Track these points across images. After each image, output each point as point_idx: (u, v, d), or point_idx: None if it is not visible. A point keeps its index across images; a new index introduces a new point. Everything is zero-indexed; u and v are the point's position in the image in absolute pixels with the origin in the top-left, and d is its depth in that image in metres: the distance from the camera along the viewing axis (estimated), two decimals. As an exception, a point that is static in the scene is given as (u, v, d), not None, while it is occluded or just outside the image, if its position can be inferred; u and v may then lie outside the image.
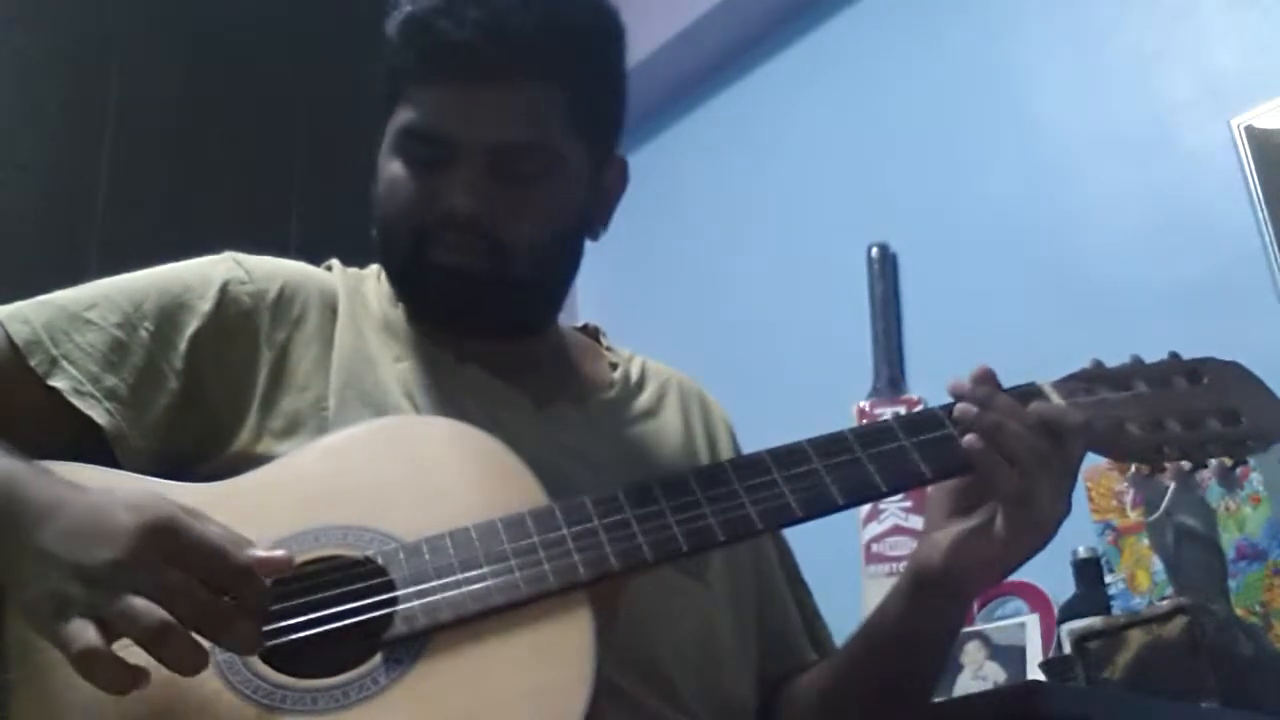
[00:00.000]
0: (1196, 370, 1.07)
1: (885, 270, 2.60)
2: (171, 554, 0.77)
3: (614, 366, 1.24)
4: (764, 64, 3.05)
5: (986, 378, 1.02)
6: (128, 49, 2.74)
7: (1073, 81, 2.46)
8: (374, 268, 1.22)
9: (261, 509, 0.91)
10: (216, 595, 0.77)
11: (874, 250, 2.62)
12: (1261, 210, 2.08)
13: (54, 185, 2.57)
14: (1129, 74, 2.37)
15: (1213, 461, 1.04)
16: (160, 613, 0.74)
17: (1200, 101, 2.25)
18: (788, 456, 0.97)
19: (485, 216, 1.08)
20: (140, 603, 0.75)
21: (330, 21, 2.95)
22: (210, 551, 0.78)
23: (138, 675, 0.74)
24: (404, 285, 1.14)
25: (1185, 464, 1.03)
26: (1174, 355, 1.08)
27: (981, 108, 2.58)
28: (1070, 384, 1.05)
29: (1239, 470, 1.90)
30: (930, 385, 2.36)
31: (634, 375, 1.24)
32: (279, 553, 0.83)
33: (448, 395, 1.09)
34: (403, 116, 1.10)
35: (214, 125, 2.80)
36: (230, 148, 2.81)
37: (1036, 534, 0.96)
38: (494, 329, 1.14)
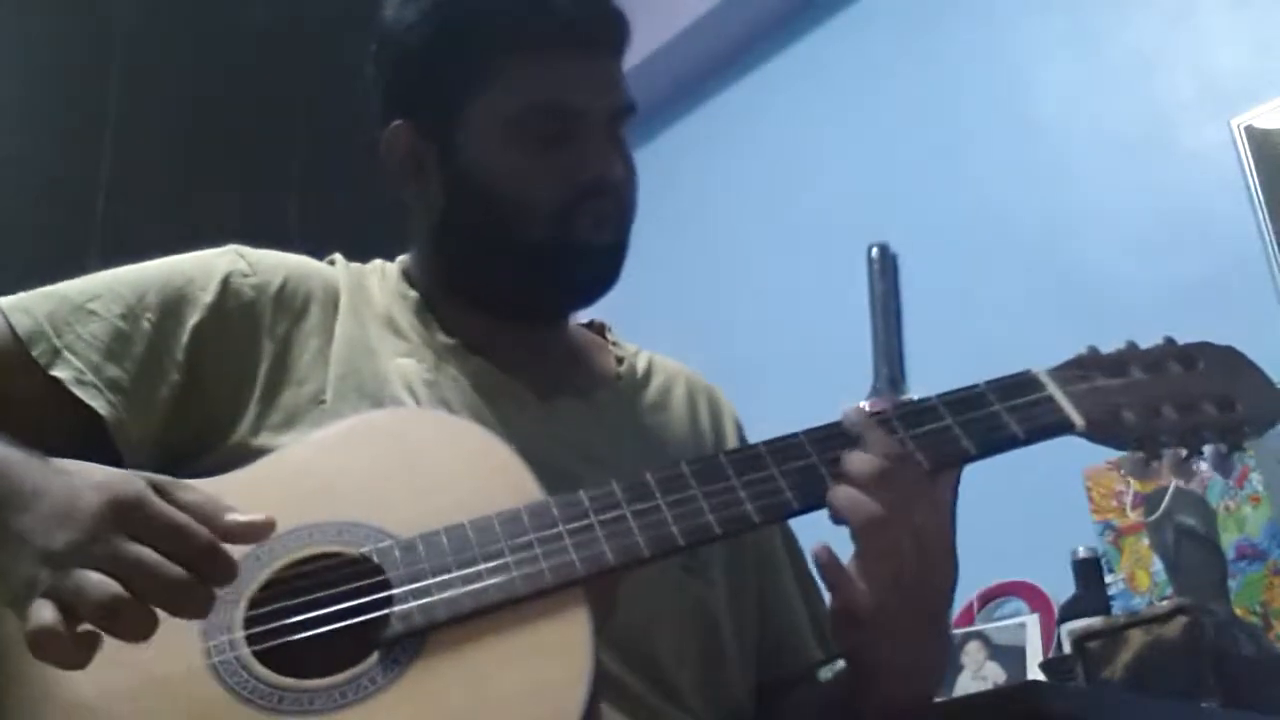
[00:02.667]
0: (1191, 355, 1.06)
1: (885, 270, 2.60)
2: (133, 529, 0.76)
3: (620, 361, 1.23)
4: (764, 64, 3.06)
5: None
6: (128, 49, 2.74)
7: (1073, 81, 2.46)
8: (376, 263, 1.22)
9: (254, 505, 0.90)
10: (176, 568, 0.76)
11: (874, 250, 2.62)
12: (1261, 210, 2.08)
13: (54, 185, 2.57)
14: (1129, 74, 2.37)
15: (1209, 448, 1.03)
16: (110, 585, 0.73)
17: (1200, 101, 2.25)
18: (784, 450, 0.96)
19: (623, 183, 1.13)
20: (92, 576, 0.74)
21: (330, 22, 2.95)
22: (172, 527, 0.77)
23: (89, 644, 0.73)
24: (535, 269, 1.13)
25: (1182, 451, 1.03)
26: (1169, 340, 1.07)
27: (981, 108, 2.58)
28: (1066, 371, 1.04)
29: (1238, 469, 1.91)
30: (930, 385, 2.34)
31: (640, 369, 1.23)
32: (259, 517, 0.81)
33: (450, 388, 1.09)
34: (513, 96, 1.10)
35: (214, 125, 2.81)
36: (230, 148, 2.81)
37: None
38: (587, 305, 1.19)
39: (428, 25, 1.13)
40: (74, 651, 0.73)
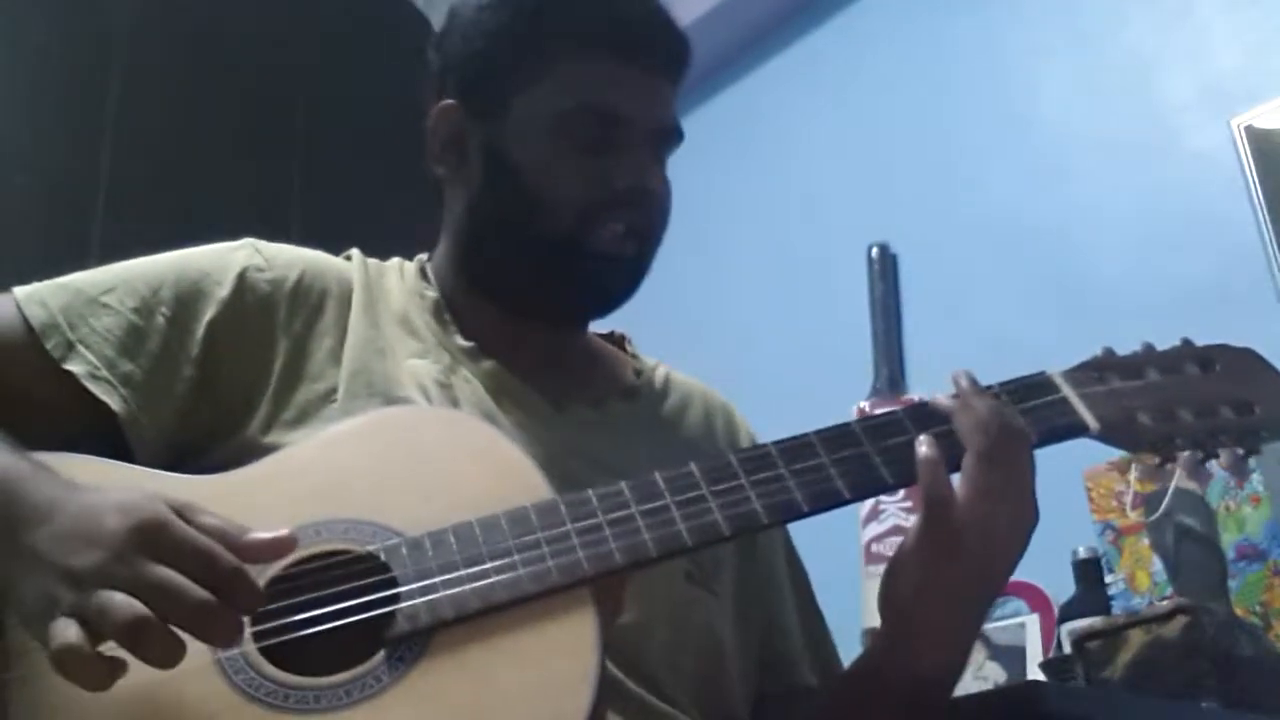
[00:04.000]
0: (1208, 357, 1.05)
1: (885, 270, 2.60)
2: (158, 554, 0.76)
3: (638, 374, 1.23)
4: (764, 64, 3.06)
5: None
6: (128, 49, 2.73)
7: (1073, 82, 2.46)
8: (395, 261, 1.21)
9: (262, 503, 0.90)
10: (202, 591, 0.75)
11: (874, 250, 2.62)
12: (1261, 210, 2.08)
13: (54, 185, 2.57)
14: (1129, 75, 2.37)
15: (1223, 451, 1.03)
16: (136, 605, 0.73)
17: (1200, 102, 2.25)
18: (793, 450, 0.96)
19: (657, 199, 1.13)
20: (118, 597, 0.73)
21: (331, 21, 2.95)
22: (198, 551, 0.77)
23: (116, 668, 0.73)
24: (551, 268, 1.12)
25: (1197, 454, 1.02)
26: (1186, 342, 1.07)
27: (981, 108, 2.59)
28: (1081, 373, 1.03)
29: (1250, 474, 1.91)
30: (930, 385, 2.35)
31: (658, 383, 1.23)
32: (282, 533, 0.81)
33: (464, 390, 1.08)
34: (565, 93, 1.11)
35: (214, 125, 2.80)
36: (230, 147, 2.81)
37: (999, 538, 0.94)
38: (601, 315, 1.18)
39: (502, 9, 1.14)
40: (98, 672, 0.73)
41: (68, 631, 0.73)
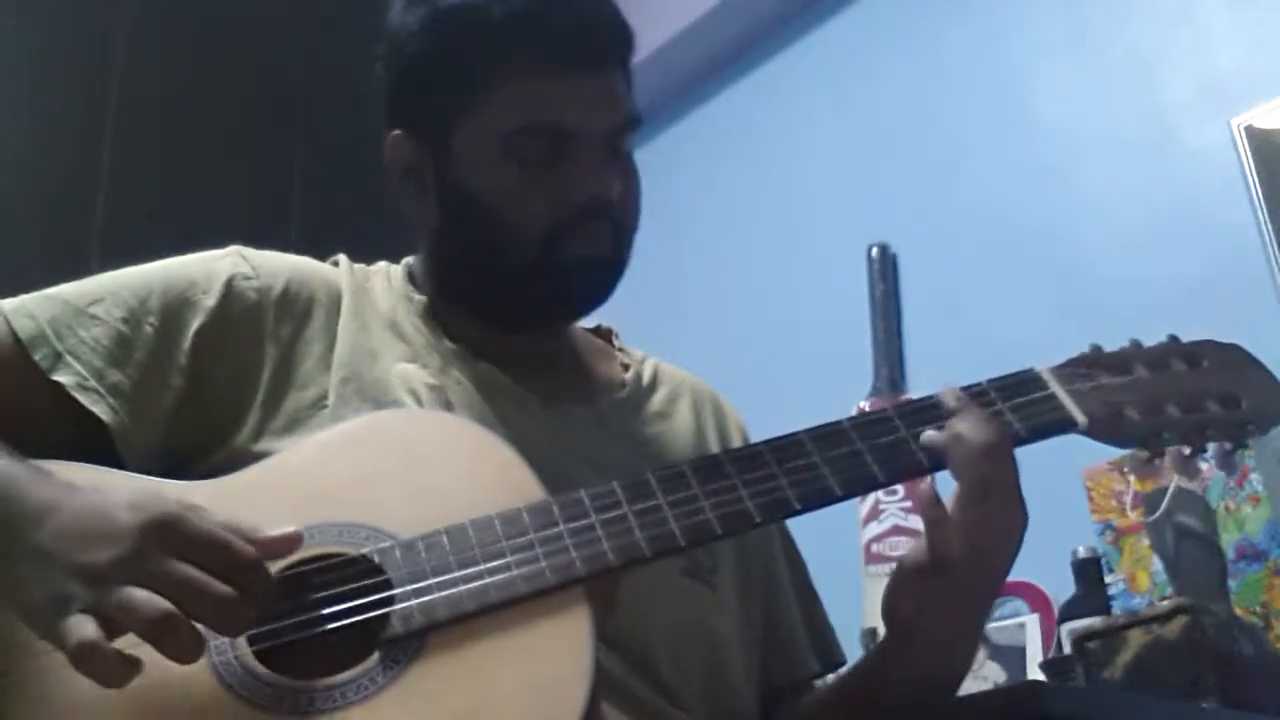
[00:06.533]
0: (1195, 353, 1.07)
1: (885, 270, 2.60)
2: (174, 548, 0.77)
3: (626, 368, 1.23)
4: (764, 64, 3.06)
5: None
6: (128, 49, 2.74)
7: (1073, 82, 2.45)
8: (381, 265, 1.21)
9: (255, 507, 0.90)
10: (224, 586, 0.76)
11: (874, 250, 2.62)
12: (1261, 210, 2.08)
13: (54, 185, 2.57)
14: (1129, 74, 2.37)
15: (1212, 445, 1.04)
16: (162, 602, 0.74)
17: (1200, 101, 2.25)
18: (785, 449, 0.97)
19: (620, 200, 1.11)
20: (141, 593, 0.74)
21: (331, 20, 2.95)
22: (214, 543, 0.78)
23: (134, 666, 0.74)
24: (527, 287, 1.12)
25: (1185, 449, 1.03)
26: (1173, 338, 1.08)
27: (981, 108, 2.58)
28: (1069, 369, 1.04)
29: (1240, 468, 1.91)
30: (930, 385, 2.33)
31: (646, 377, 1.23)
32: (288, 530, 0.82)
33: (455, 392, 1.08)
34: (507, 116, 1.08)
35: (214, 124, 2.80)
36: (230, 147, 2.81)
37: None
38: (584, 315, 1.18)
39: (426, 37, 1.11)
40: (118, 669, 0.73)
41: (85, 628, 0.73)
